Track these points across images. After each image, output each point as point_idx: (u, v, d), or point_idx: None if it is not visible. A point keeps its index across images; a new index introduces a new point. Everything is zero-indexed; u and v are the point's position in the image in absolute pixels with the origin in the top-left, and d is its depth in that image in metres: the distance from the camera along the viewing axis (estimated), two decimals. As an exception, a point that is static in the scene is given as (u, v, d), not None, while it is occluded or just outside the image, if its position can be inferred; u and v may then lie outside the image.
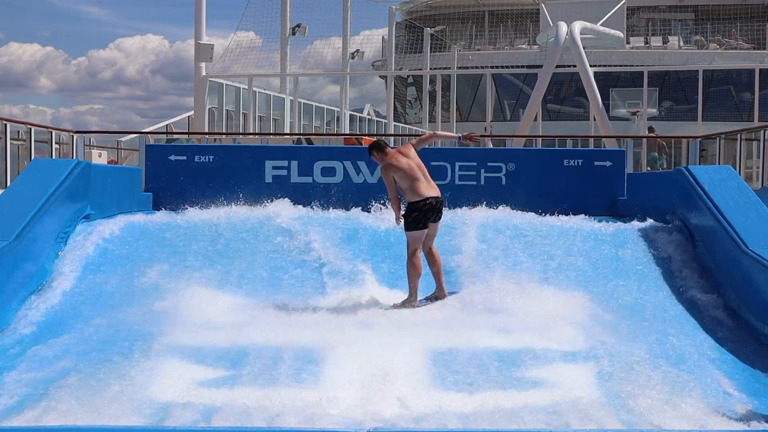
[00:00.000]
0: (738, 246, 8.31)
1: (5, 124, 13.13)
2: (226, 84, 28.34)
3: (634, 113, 31.82)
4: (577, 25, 27.86)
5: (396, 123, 38.24)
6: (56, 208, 8.92)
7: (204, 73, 26.21)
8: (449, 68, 38.00)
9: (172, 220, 10.51)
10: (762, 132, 13.52)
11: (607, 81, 33.54)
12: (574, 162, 12.15)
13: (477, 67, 39.52)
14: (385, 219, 10.44)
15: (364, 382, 6.16)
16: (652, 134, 23.64)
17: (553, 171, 12.08)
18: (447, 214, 9.20)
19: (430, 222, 8.46)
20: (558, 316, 7.78)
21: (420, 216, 8.38)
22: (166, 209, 11.44)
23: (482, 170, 11.83)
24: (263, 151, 12.63)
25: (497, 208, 11.19)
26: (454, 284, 8.85)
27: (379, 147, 8.70)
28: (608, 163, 12.14)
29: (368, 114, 42.34)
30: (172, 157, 12.02)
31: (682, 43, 41.32)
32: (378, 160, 8.74)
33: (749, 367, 7.03)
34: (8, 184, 11.82)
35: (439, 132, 9.26)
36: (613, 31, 32.79)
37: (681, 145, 20.61)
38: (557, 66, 28.61)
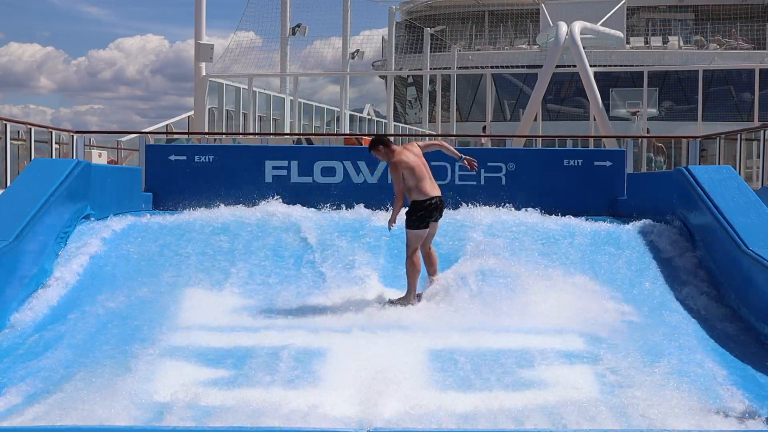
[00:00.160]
0: (738, 246, 8.31)
1: (5, 124, 13.13)
2: (226, 84, 28.34)
3: (634, 113, 31.83)
4: (577, 25, 27.86)
5: (396, 123, 38.25)
6: (56, 208, 8.92)
7: (204, 73, 26.20)
8: (449, 68, 38.01)
9: (172, 220, 10.51)
10: (762, 132, 13.52)
11: (607, 81, 33.54)
12: (574, 162, 12.14)
13: (477, 67, 39.54)
14: (385, 219, 10.42)
15: (364, 382, 6.16)
16: (646, 135, 23.69)
17: (553, 171, 12.08)
18: (447, 213, 9.20)
19: (431, 221, 8.47)
20: (558, 316, 7.78)
21: (425, 215, 8.38)
22: (166, 209, 11.44)
23: (482, 170, 11.82)
24: (263, 151, 12.62)
25: (497, 208, 11.18)
26: (454, 284, 8.84)
27: (384, 142, 8.63)
28: (608, 163, 12.14)
29: (368, 114, 42.33)
30: (172, 157, 12.01)
31: (682, 43, 41.35)
32: (382, 156, 8.62)
33: (749, 367, 7.02)
34: (8, 184, 11.82)
35: (446, 145, 9.20)
36: (613, 31, 32.79)
37: (681, 145, 20.62)
38: (557, 66, 28.60)
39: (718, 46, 40.32)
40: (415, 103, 48.31)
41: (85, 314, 7.88)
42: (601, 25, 32.17)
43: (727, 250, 8.62)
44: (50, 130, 14.90)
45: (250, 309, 8.14)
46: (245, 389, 6.07)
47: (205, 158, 11.97)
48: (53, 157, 14.25)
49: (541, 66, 28.85)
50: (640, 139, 21.30)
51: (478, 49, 44.37)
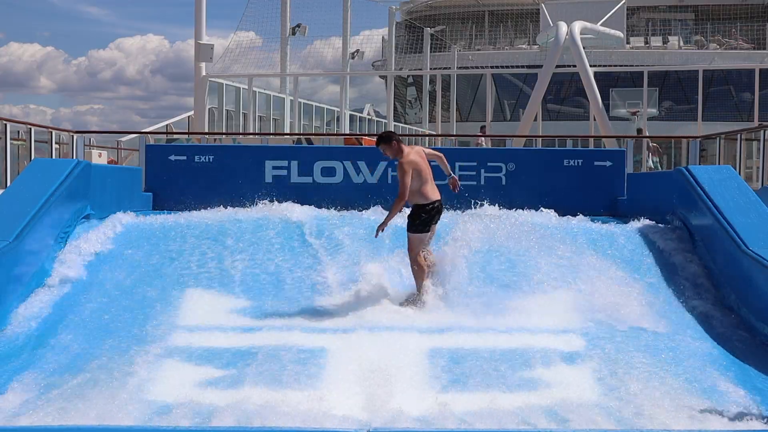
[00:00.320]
0: (738, 246, 8.31)
1: (5, 124, 13.13)
2: (226, 84, 28.34)
3: (634, 113, 31.84)
4: (577, 25, 27.87)
5: (396, 123, 38.22)
6: (56, 208, 8.91)
7: (204, 73, 26.21)
8: (449, 68, 38.01)
9: (172, 220, 10.51)
10: (762, 132, 13.52)
11: (607, 81, 33.55)
12: (574, 162, 12.15)
13: (477, 67, 39.54)
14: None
15: (365, 382, 6.16)
16: (639, 135, 23.71)
17: (553, 171, 12.08)
18: (447, 213, 9.20)
19: (432, 224, 8.48)
20: (558, 317, 7.78)
21: (428, 219, 8.39)
22: (166, 209, 11.44)
23: (482, 170, 11.82)
24: (263, 151, 12.63)
25: (497, 207, 11.17)
26: (454, 284, 8.83)
27: (398, 138, 8.53)
28: (608, 163, 12.14)
29: (368, 114, 42.33)
30: (172, 157, 12.02)
31: (682, 43, 41.35)
32: (392, 152, 8.47)
33: (749, 367, 7.03)
34: (8, 184, 11.82)
35: (445, 160, 9.14)
36: (613, 31, 32.79)
37: (681, 145, 20.61)
38: (557, 66, 28.61)
39: (718, 46, 40.33)
40: (415, 103, 48.32)
41: (85, 314, 7.89)
42: (601, 25, 32.17)
43: (727, 250, 8.62)
44: (50, 130, 14.90)
45: (250, 309, 8.14)
46: (245, 389, 6.08)
47: (205, 158, 11.97)
48: (53, 157, 14.24)
49: (541, 66, 28.86)
50: (633, 140, 21.30)
51: (478, 49, 44.37)
